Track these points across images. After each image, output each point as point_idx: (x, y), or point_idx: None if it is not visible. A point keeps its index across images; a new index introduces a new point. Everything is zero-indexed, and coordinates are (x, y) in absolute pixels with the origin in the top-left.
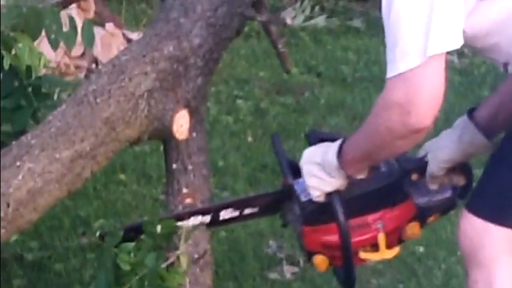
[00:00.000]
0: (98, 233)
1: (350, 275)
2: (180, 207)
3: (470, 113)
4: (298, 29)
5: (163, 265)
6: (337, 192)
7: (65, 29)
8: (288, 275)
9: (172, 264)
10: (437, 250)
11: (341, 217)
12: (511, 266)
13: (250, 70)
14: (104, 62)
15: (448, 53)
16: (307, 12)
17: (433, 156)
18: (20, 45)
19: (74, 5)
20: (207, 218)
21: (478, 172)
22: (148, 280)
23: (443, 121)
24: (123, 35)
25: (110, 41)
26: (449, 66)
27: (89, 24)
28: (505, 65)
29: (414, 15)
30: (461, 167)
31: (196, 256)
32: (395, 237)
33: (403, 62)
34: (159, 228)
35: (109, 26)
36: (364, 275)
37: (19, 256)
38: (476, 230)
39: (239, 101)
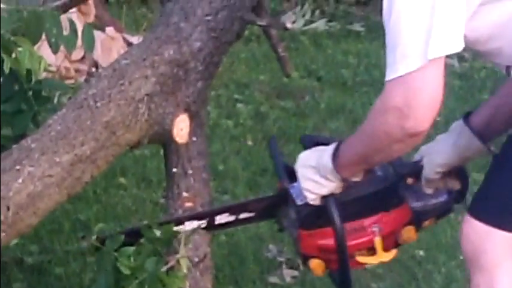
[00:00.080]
0: (94, 237)
1: (346, 278)
2: (180, 211)
3: (466, 117)
4: (299, 33)
5: (163, 269)
6: (332, 195)
7: (65, 32)
8: (288, 279)
9: (172, 268)
10: (437, 254)
11: (337, 220)
12: None
13: (251, 74)
14: (104, 65)
15: (448, 57)
16: (308, 16)
17: (429, 160)
18: (20, 49)
19: (74, 9)
20: (203, 223)
21: (476, 176)
22: (148, 284)
23: (443, 125)
24: (124, 38)
25: (110, 45)
26: (450, 71)
27: (89, 28)
28: (508, 68)
29: (415, 18)
30: (457, 171)
31: (196, 260)
32: (392, 241)
33: (402, 65)
34: (157, 233)
35: (109, 29)
36: (364, 279)
37: (19, 260)
38: (478, 234)
39: (239, 105)
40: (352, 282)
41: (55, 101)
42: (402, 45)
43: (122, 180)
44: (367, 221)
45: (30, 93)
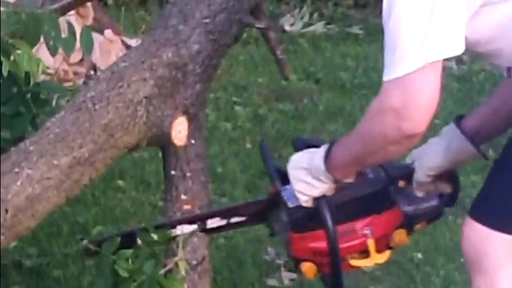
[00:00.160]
0: (85, 242)
1: (338, 281)
2: (178, 214)
3: (458, 121)
4: (297, 36)
5: (162, 272)
6: (324, 197)
7: (64, 35)
8: (287, 282)
9: (170, 270)
10: (436, 257)
11: (329, 222)
12: None
13: (249, 77)
14: (102, 68)
15: (446, 59)
16: (306, 18)
17: (420, 164)
18: (18, 51)
19: (72, 12)
20: (194, 227)
21: (474, 178)
22: (147, 287)
23: (441, 128)
24: (122, 41)
25: (108, 48)
26: (448, 73)
27: (87, 31)
28: (509, 69)
29: (415, 20)
30: (448, 175)
31: (194, 263)
32: (383, 244)
33: (400, 66)
34: (155, 236)
35: (108, 32)
36: (363, 282)
37: (18, 262)
38: (479, 237)
39: (238, 108)
40: (351, 285)
41: (53, 103)
42: (401, 47)
43: (121, 182)
44: (358, 224)
45: (29, 95)
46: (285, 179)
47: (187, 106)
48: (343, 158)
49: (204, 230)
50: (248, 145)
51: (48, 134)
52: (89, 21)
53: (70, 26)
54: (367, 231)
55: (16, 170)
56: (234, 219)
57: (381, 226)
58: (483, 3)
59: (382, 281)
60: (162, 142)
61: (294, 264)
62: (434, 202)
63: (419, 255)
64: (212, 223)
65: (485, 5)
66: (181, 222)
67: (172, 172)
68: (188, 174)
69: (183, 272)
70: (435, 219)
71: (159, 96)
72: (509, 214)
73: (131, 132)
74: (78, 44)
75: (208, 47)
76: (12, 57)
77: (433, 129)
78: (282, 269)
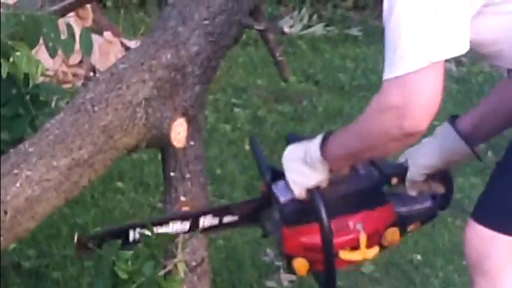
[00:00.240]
0: (76, 238)
1: (331, 276)
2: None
3: (453, 120)
4: (296, 37)
5: (161, 273)
6: (318, 189)
7: (63, 37)
8: (286, 283)
9: (169, 272)
10: (435, 258)
11: (323, 214)
12: None
13: (248, 78)
14: (101, 70)
15: (446, 60)
16: (305, 20)
17: (414, 162)
18: (17, 53)
19: (72, 13)
20: (186, 225)
21: (473, 180)
22: None
23: None
24: (121, 43)
25: (107, 49)
26: (447, 75)
27: (87, 32)
28: (510, 71)
29: (417, 19)
30: (442, 176)
31: (193, 264)
32: (375, 241)
33: (401, 65)
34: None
35: (107, 34)
36: (362, 283)
37: (17, 264)
38: (482, 239)
39: (237, 109)
40: (350, 286)
41: (53, 105)
42: (402, 46)
43: (120, 184)
44: (351, 219)
45: (28, 97)
46: (276, 177)
47: (187, 108)
48: (341, 150)
49: (196, 229)
50: (247, 147)
51: (48, 135)
52: (88, 23)
53: (69, 27)
54: (359, 227)
55: (15, 171)
56: (226, 219)
57: (373, 222)
58: (485, 3)
59: (381, 283)
60: (161, 144)
61: (287, 262)
62: (427, 203)
63: (419, 257)
64: (205, 222)
65: (488, 5)
66: (174, 218)
67: (172, 174)
68: (187, 175)
69: (182, 274)
70: (428, 221)
71: (158, 98)
72: (511, 216)
73: (130, 133)
74: (77, 46)
75: (207, 49)
76: (11, 59)
77: (432, 131)
78: (281, 270)
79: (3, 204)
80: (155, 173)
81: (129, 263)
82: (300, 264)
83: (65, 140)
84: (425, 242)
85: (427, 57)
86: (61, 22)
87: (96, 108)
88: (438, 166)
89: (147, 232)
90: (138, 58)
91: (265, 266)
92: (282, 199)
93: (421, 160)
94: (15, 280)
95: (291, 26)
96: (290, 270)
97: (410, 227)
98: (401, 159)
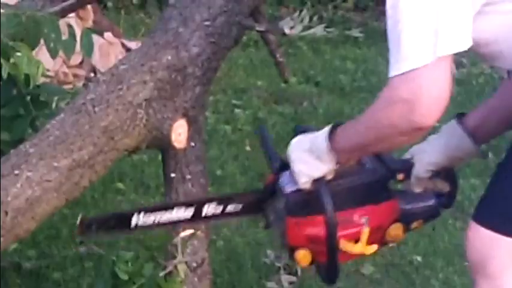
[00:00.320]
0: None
1: (333, 266)
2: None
3: (459, 117)
4: (297, 39)
5: (161, 274)
6: (324, 180)
7: (64, 37)
8: (286, 284)
9: (170, 273)
10: (435, 260)
11: (328, 205)
12: None
13: (249, 79)
14: (102, 71)
15: None
16: (306, 21)
17: (420, 159)
18: (18, 54)
19: (72, 14)
20: (190, 212)
21: (474, 181)
22: None
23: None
24: (122, 44)
25: (108, 50)
26: None
27: (87, 33)
28: (509, 72)
29: (422, 15)
30: (447, 174)
31: (194, 265)
32: (379, 236)
33: (408, 62)
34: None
35: (107, 35)
36: (362, 285)
37: (17, 265)
38: (483, 241)
39: (237, 110)
40: (350, 287)
41: (53, 106)
42: (408, 42)
43: (120, 185)
44: (355, 212)
45: (29, 98)
46: (282, 167)
47: (187, 109)
48: (349, 142)
49: (199, 216)
50: (247, 148)
51: (48, 136)
52: (89, 24)
53: (70, 28)
54: (363, 220)
55: (16, 172)
56: (229, 208)
57: (377, 216)
58: (486, 2)
59: (381, 284)
60: (162, 145)
61: (289, 253)
62: (431, 202)
63: (419, 258)
64: (208, 210)
65: (488, 4)
66: (178, 204)
67: (172, 175)
68: (188, 176)
69: (182, 275)
70: (432, 219)
71: (158, 99)
72: None
73: (131, 134)
74: (78, 47)
75: (208, 50)
76: (12, 60)
77: (434, 132)
78: (282, 271)
79: (4, 204)
80: (156, 174)
81: (129, 264)
82: (303, 256)
83: (65, 140)
84: (425, 244)
85: (432, 52)
86: (62, 23)
87: (96, 109)
88: (444, 163)
89: (151, 217)
90: (138, 59)
91: (265, 267)
92: (287, 189)
93: (427, 157)
94: (16, 281)
95: (292, 27)
96: (292, 261)
97: (414, 224)
98: (406, 156)
